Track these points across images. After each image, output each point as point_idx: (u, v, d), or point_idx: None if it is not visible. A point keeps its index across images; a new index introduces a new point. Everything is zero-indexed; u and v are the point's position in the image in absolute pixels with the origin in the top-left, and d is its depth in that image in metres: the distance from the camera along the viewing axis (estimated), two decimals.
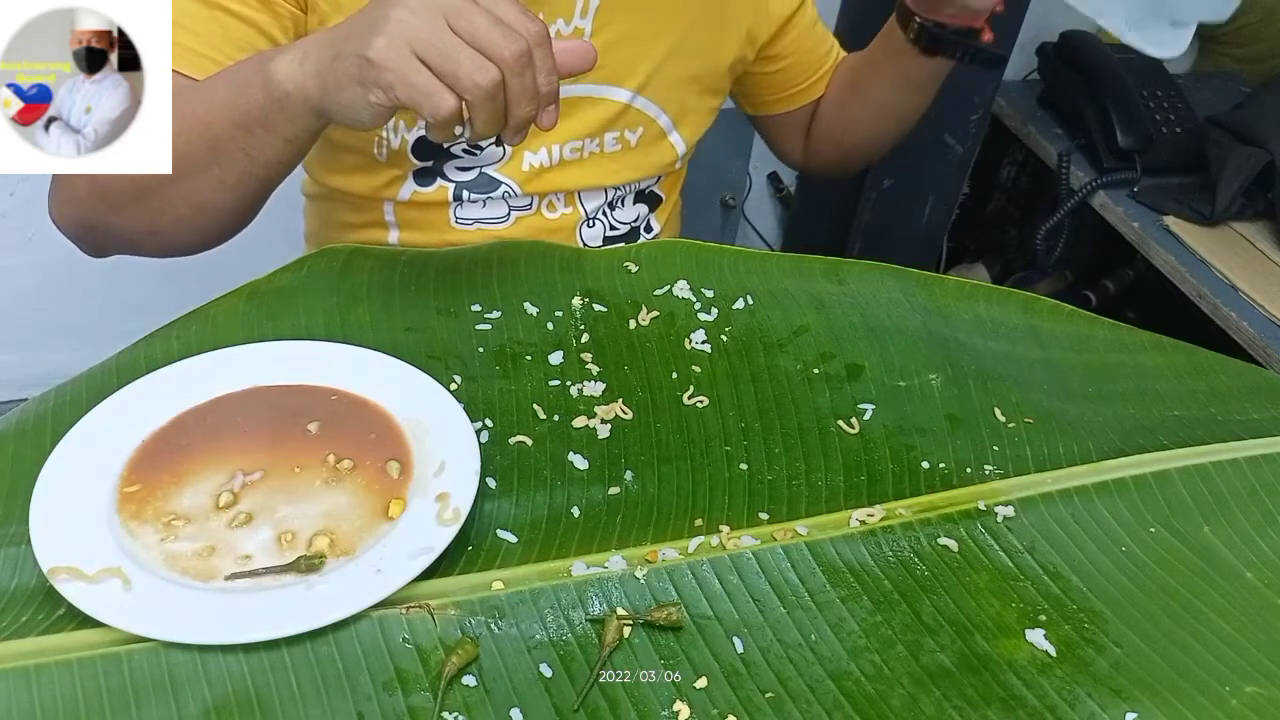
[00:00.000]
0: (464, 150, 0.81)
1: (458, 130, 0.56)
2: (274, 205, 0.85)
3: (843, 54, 0.98)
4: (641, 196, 0.92)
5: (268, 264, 0.69)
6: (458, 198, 0.83)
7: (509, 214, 0.86)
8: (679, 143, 0.89)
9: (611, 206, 0.90)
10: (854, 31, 1.00)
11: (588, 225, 0.89)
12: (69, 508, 0.52)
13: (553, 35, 0.76)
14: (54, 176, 0.69)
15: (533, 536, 0.54)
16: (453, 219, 0.85)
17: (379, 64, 0.53)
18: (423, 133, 0.79)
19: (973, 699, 0.49)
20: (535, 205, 0.86)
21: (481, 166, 0.83)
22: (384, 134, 0.79)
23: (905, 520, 0.57)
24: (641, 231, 0.94)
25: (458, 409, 0.59)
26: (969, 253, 1.72)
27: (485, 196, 0.84)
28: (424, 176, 0.83)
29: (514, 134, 0.57)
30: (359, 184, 0.84)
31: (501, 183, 0.83)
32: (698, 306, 0.70)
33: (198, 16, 0.67)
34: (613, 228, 0.91)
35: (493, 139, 0.80)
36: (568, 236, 0.88)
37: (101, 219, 0.69)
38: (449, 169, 0.82)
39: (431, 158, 0.81)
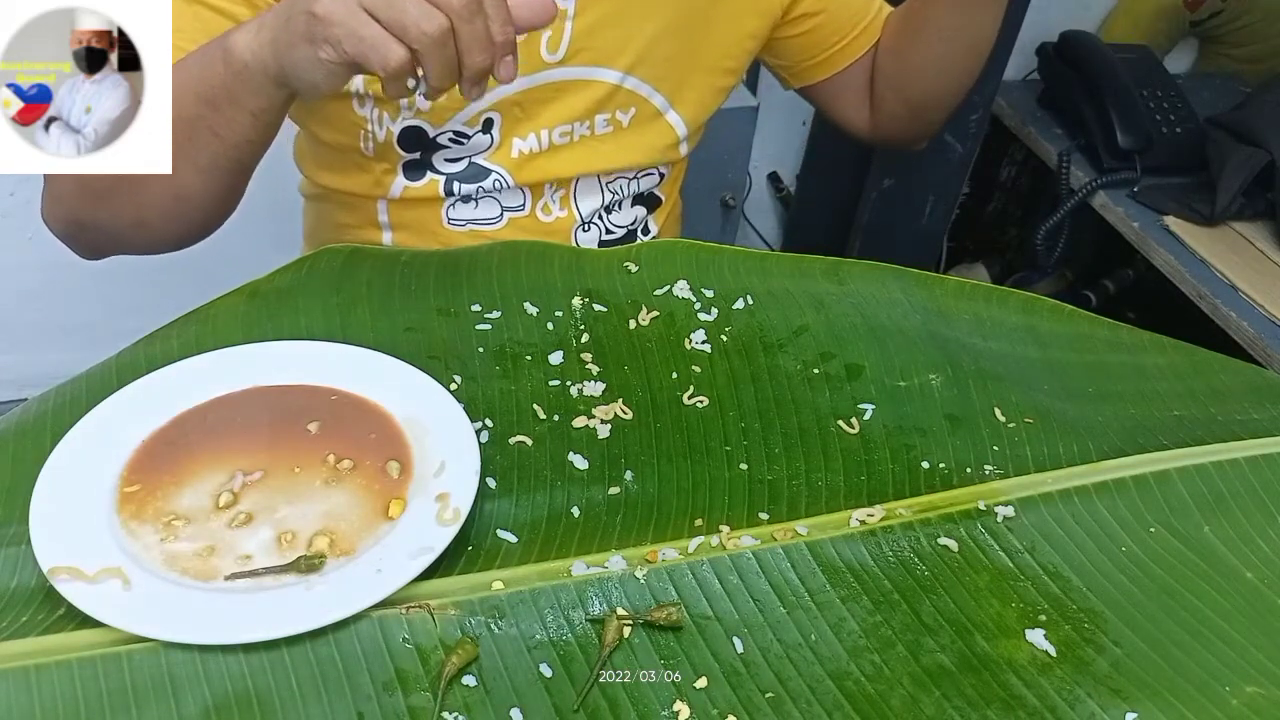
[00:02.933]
0: (451, 139, 0.80)
1: (411, 84, 0.56)
2: (274, 205, 0.85)
3: (888, 8, 0.91)
4: (640, 199, 0.91)
5: (268, 264, 0.69)
6: (449, 191, 0.82)
7: (501, 214, 0.85)
8: (678, 123, 0.86)
9: (608, 210, 0.89)
10: None
11: (583, 229, 0.88)
12: (69, 508, 0.52)
13: None
14: (45, 178, 0.69)
15: (533, 536, 0.54)
16: (445, 220, 0.84)
17: (326, 19, 0.54)
18: (407, 123, 0.79)
19: (973, 699, 0.49)
20: (529, 207, 0.85)
21: (470, 156, 0.82)
22: (369, 127, 0.78)
23: (905, 520, 0.57)
24: (639, 234, 0.92)
25: (458, 409, 0.59)
26: (969, 253, 1.72)
27: (477, 186, 0.82)
28: (413, 170, 0.82)
29: (470, 86, 0.56)
30: (350, 181, 0.83)
31: (491, 170, 0.82)
32: (698, 306, 0.70)
33: (179, 12, 0.67)
34: (609, 231, 0.90)
35: (479, 129, 0.79)
36: (562, 240, 0.87)
37: (87, 213, 0.69)
38: (438, 160, 0.81)
39: (419, 149, 0.81)
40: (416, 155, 0.81)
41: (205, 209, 0.68)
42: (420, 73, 0.56)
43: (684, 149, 0.90)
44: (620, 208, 0.90)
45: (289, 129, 0.86)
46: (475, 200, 0.84)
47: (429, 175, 0.82)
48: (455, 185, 0.83)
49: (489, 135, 0.81)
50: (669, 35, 0.82)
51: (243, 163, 0.66)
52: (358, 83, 0.75)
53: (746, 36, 0.86)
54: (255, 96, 0.61)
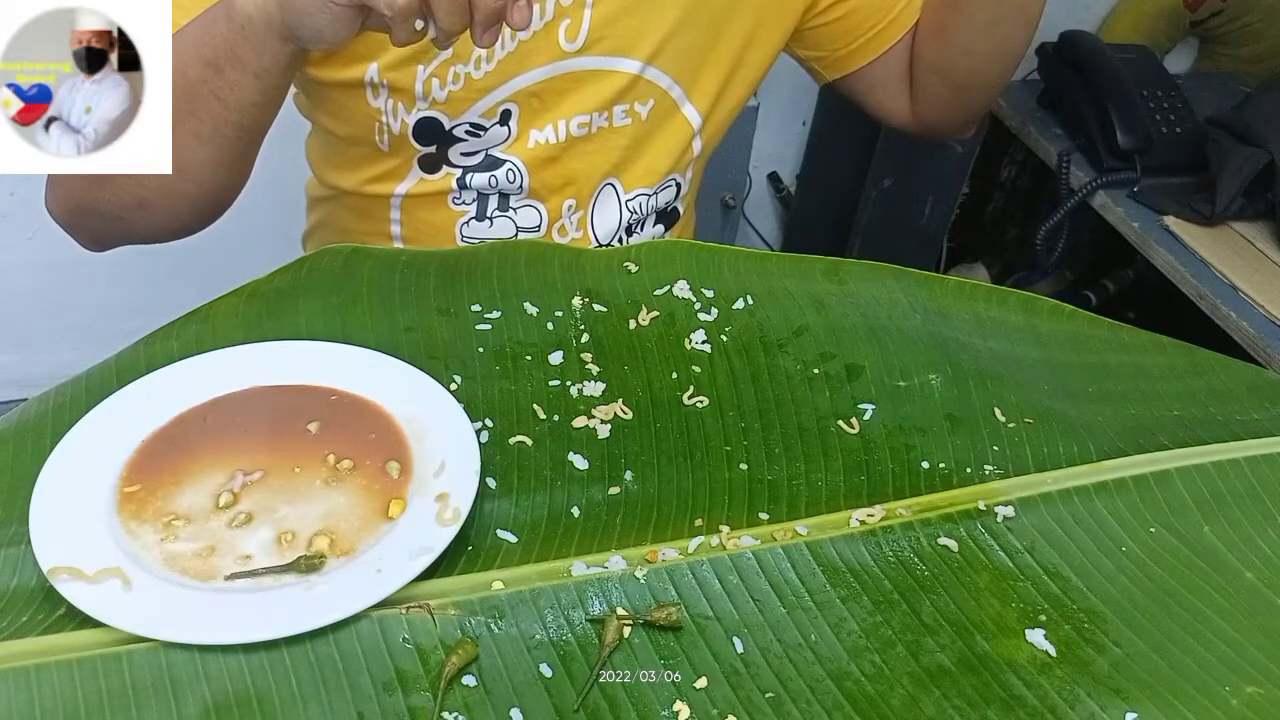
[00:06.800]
0: (467, 131, 0.80)
1: (419, 25, 0.55)
2: (274, 205, 0.84)
3: None
4: (661, 216, 0.89)
5: (268, 264, 0.69)
6: (463, 184, 0.82)
7: (516, 235, 0.84)
8: (693, 115, 0.85)
9: (629, 232, 0.87)
10: None
11: None
12: (69, 508, 0.52)
13: (552, 9, 0.75)
14: None
15: (533, 536, 0.54)
16: (459, 238, 0.84)
17: None
18: (423, 114, 0.78)
19: (973, 699, 0.49)
20: (544, 227, 0.85)
21: (487, 149, 0.81)
22: (383, 119, 0.78)
23: (905, 520, 0.57)
24: None
25: (458, 409, 0.59)
26: (969, 253, 1.72)
27: (489, 176, 0.81)
28: (428, 165, 0.81)
29: (483, 31, 0.55)
30: (364, 179, 0.83)
31: (506, 161, 0.81)
32: (698, 306, 0.70)
33: None
34: None
35: (496, 121, 0.78)
36: None
37: (89, 196, 0.68)
38: (453, 154, 0.81)
39: (435, 142, 0.80)
40: (432, 149, 0.80)
41: (209, 186, 0.67)
42: (430, 17, 0.54)
43: (698, 145, 0.88)
44: (642, 228, 0.88)
45: (298, 126, 0.86)
46: (490, 219, 0.83)
47: (444, 169, 0.81)
48: (469, 177, 0.82)
49: (506, 127, 0.80)
50: (690, 25, 0.80)
51: (247, 129, 0.65)
52: (372, 72, 0.75)
53: (771, 28, 0.84)
54: (259, 54, 0.59)
